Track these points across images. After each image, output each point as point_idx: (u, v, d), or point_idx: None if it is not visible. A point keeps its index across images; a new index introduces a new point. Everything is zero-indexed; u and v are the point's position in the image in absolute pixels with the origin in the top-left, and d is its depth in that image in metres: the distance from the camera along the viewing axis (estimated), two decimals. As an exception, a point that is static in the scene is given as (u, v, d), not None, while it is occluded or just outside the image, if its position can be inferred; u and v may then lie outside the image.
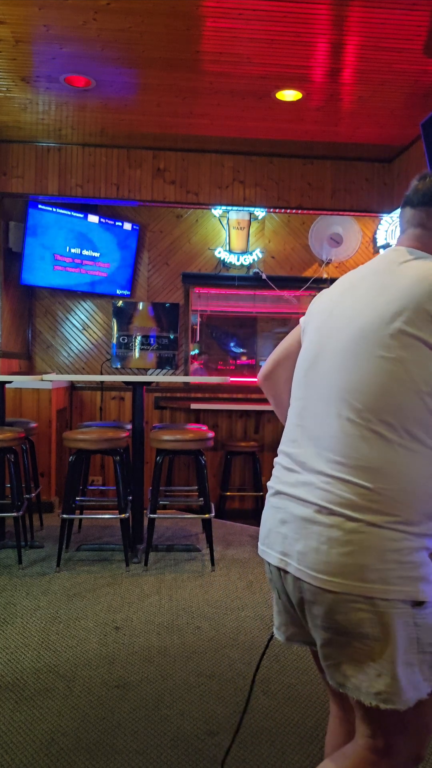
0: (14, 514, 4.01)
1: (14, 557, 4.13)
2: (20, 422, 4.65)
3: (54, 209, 5.80)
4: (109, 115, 4.69)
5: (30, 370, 6.15)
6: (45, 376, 4.40)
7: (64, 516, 4.10)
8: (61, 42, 3.64)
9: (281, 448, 1.42)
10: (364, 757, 1.25)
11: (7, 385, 4.61)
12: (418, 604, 1.18)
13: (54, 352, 6.27)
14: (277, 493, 1.37)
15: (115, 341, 6.27)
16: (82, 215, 5.94)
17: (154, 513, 4.09)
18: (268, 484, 1.43)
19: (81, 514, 4.94)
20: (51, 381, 5.22)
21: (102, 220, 6.04)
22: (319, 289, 6.45)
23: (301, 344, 1.50)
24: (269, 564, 1.36)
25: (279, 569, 1.33)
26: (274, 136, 5.01)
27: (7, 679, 2.61)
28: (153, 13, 3.32)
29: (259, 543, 1.42)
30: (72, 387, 6.15)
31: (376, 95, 4.21)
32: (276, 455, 1.45)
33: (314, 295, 7.14)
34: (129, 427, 4.53)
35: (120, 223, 6.11)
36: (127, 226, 6.14)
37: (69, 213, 5.88)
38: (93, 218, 6.00)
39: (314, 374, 1.36)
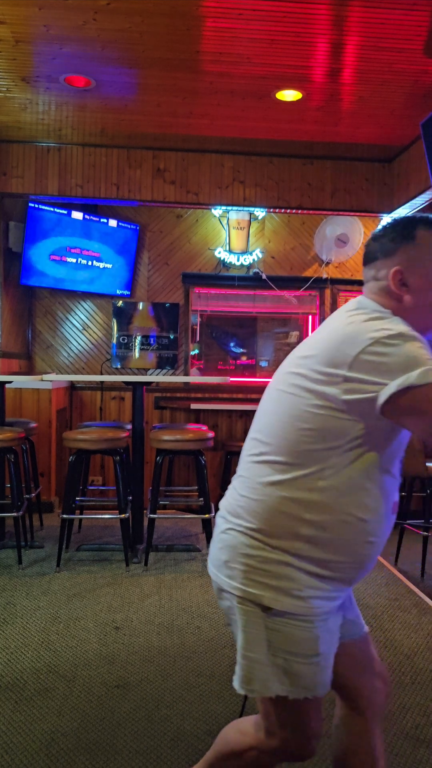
0: (14, 514, 4.01)
1: (14, 557, 4.13)
2: (20, 422, 4.65)
3: (54, 209, 5.80)
4: (109, 115, 4.69)
5: (30, 370, 6.15)
6: (45, 376, 4.40)
7: (64, 516, 4.10)
8: (61, 42, 3.64)
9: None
10: (254, 735, 1.47)
11: (7, 385, 4.61)
12: (267, 609, 1.32)
13: (54, 352, 6.26)
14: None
15: (115, 341, 6.27)
16: (82, 215, 5.94)
17: (154, 513, 4.09)
18: None
19: (81, 514, 4.94)
20: (51, 381, 5.22)
21: (102, 220, 6.04)
22: (320, 289, 6.46)
23: None
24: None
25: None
26: (274, 136, 5.01)
27: (7, 679, 2.61)
28: (153, 13, 3.32)
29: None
30: (72, 387, 6.15)
31: (376, 95, 4.21)
32: None
33: (313, 296, 7.06)
34: (129, 427, 4.53)
35: (120, 223, 6.11)
36: (127, 226, 6.14)
37: (69, 213, 5.88)
38: (93, 218, 6.00)
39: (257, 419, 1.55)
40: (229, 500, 1.46)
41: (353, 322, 1.33)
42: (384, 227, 1.47)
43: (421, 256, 1.39)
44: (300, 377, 1.35)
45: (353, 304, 1.43)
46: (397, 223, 1.44)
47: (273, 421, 1.39)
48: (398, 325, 1.30)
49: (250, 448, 1.45)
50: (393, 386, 1.21)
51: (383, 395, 1.23)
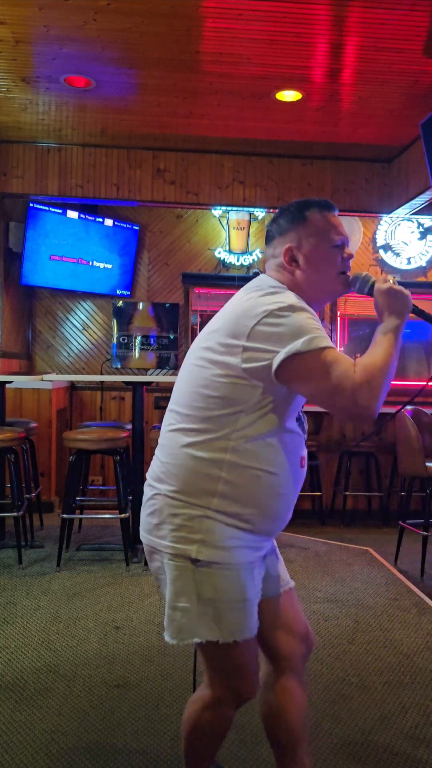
0: (14, 514, 4.01)
1: (14, 557, 4.13)
2: (20, 422, 4.65)
3: (54, 209, 5.80)
4: (109, 116, 4.69)
5: (30, 370, 6.15)
6: (45, 376, 4.40)
7: (64, 516, 4.10)
8: (61, 42, 3.64)
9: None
10: (201, 697, 1.61)
11: (7, 385, 4.61)
12: (195, 561, 1.43)
13: (54, 352, 6.27)
14: None
15: (115, 341, 6.27)
16: (82, 215, 5.95)
17: (154, 513, 4.08)
18: None
19: (81, 514, 4.95)
20: (51, 381, 5.23)
21: (102, 220, 6.04)
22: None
23: None
24: None
25: None
26: (273, 137, 5.02)
27: (7, 679, 2.62)
28: (153, 13, 3.32)
29: None
30: (72, 387, 6.15)
31: (375, 95, 4.21)
32: None
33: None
34: (129, 427, 4.53)
35: (120, 224, 6.11)
36: (127, 226, 6.14)
37: (69, 213, 5.88)
38: (93, 218, 6.00)
39: (175, 390, 1.66)
40: (153, 468, 1.57)
41: (251, 297, 1.48)
42: (281, 209, 1.63)
43: (308, 235, 1.55)
44: (207, 350, 1.49)
45: (255, 281, 1.58)
46: (292, 205, 1.60)
47: (184, 392, 1.52)
48: (289, 298, 1.44)
49: (168, 420, 1.57)
50: (282, 353, 1.37)
51: (275, 362, 1.37)
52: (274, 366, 1.37)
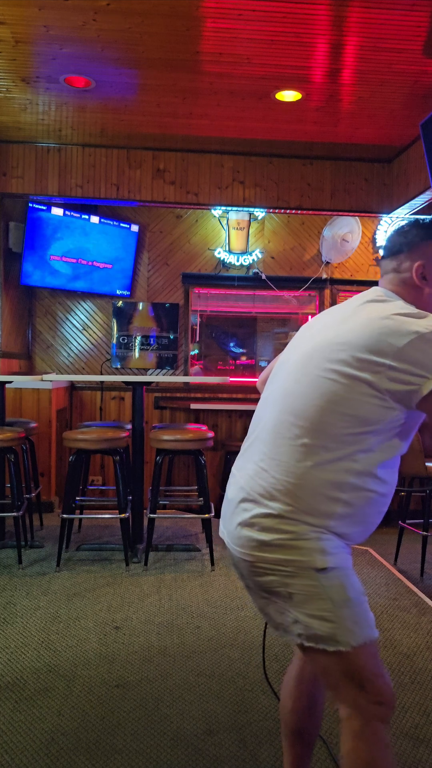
0: (14, 513, 4.01)
1: (14, 557, 4.13)
2: (20, 422, 4.65)
3: (54, 210, 5.80)
4: (109, 116, 4.69)
5: (30, 370, 6.15)
6: (45, 376, 4.40)
7: (64, 516, 4.10)
8: (61, 42, 3.64)
9: (245, 444, 1.66)
10: (352, 720, 1.44)
11: (7, 385, 4.61)
12: (321, 569, 1.41)
13: (54, 352, 6.27)
14: (231, 475, 1.64)
15: (115, 341, 6.27)
16: (82, 216, 5.95)
17: (154, 513, 4.09)
18: (233, 469, 1.68)
19: (81, 514, 4.95)
20: (51, 381, 5.23)
21: (102, 220, 6.04)
22: (319, 290, 6.47)
23: None
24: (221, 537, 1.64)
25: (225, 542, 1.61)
26: (273, 137, 5.02)
27: (7, 679, 2.62)
28: (153, 13, 3.32)
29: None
30: (72, 387, 6.15)
31: (375, 96, 4.22)
32: None
33: (313, 296, 7.06)
34: (129, 427, 4.53)
35: (120, 224, 6.11)
36: (127, 226, 6.14)
37: (69, 213, 5.88)
38: (93, 219, 6.00)
39: (272, 382, 1.64)
40: (259, 482, 1.48)
41: (390, 314, 1.42)
42: (410, 223, 1.61)
43: None
44: (340, 364, 1.42)
45: (376, 293, 1.55)
46: (424, 222, 1.59)
47: (309, 405, 1.44)
48: None
49: (284, 431, 1.47)
50: None
51: (426, 388, 1.34)
52: (424, 391, 1.35)
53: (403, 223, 1.64)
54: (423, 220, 1.61)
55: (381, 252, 6.47)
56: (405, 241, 1.58)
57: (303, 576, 1.43)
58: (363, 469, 1.43)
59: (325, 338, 1.49)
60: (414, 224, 1.59)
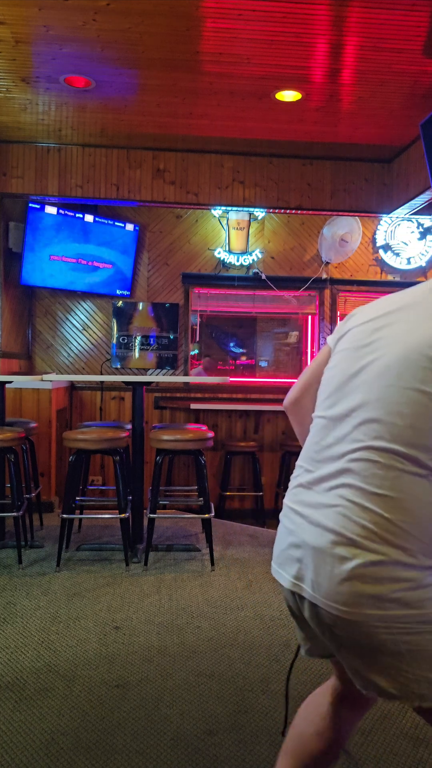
0: (14, 513, 4.01)
1: (14, 557, 4.13)
2: (20, 422, 4.65)
3: (54, 210, 5.80)
4: (109, 116, 4.69)
5: (30, 370, 6.15)
6: (45, 376, 4.40)
7: (64, 516, 4.10)
8: (61, 42, 3.64)
9: (300, 463, 1.41)
10: None
11: (7, 385, 4.61)
12: None
13: (54, 352, 6.27)
14: (293, 512, 1.36)
15: (115, 341, 6.27)
16: (82, 215, 5.95)
17: (154, 513, 4.09)
18: (285, 500, 1.42)
19: (81, 513, 4.95)
20: (51, 381, 5.23)
21: (102, 220, 6.04)
22: (319, 290, 6.47)
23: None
24: (284, 585, 1.36)
25: (293, 592, 1.33)
26: (273, 137, 5.02)
27: (7, 679, 2.62)
28: (153, 13, 3.32)
29: (273, 562, 1.42)
30: (72, 387, 6.15)
31: (375, 96, 4.22)
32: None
33: (313, 296, 6.99)
34: (129, 427, 4.53)
35: (120, 224, 6.11)
36: (127, 226, 6.14)
37: (69, 213, 5.89)
38: (93, 218, 6.00)
39: (346, 392, 1.34)
40: (363, 524, 1.21)
41: None
42: None
43: None
44: None
45: None
46: None
47: (420, 430, 1.21)
48: None
49: (388, 460, 1.22)
50: None
51: None
52: None
53: None
54: None
55: (381, 252, 6.49)
56: None
57: (420, 630, 1.20)
58: None
59: (418, 341, 1.25)
60: None
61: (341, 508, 1.24)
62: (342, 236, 6.24)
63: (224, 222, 6.32)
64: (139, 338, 6.29)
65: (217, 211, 6.28)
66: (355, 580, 1.20)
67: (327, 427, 1.35)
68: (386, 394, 1.25)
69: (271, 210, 5.54)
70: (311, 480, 1.34)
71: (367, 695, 1.33)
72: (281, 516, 1.41)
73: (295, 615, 1.40)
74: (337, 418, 1.33)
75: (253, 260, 6.30)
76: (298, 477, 1.40)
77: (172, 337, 6.30)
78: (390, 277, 6.49)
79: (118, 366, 6.29)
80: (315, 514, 1.29)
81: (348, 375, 1.35)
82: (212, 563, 4.09)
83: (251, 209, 5.65)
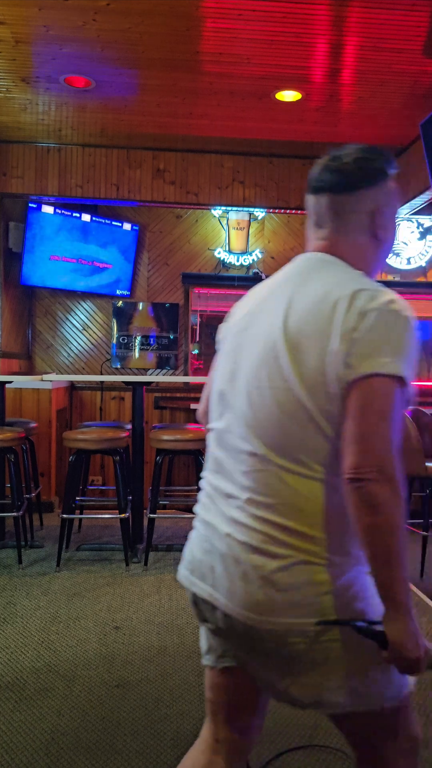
0: (14, 513, 4.01)
1: (14, 557, 4.13)
2: (20, 422, 4.65)
3: (54, 209, 5.80)
4: (109, 116, 4.69)
5: (30, 370, 6.15)
6: (45, 376, 4.40)
7: (64, 516, 4.10)
8: (61, 42, 3.64)
9: (204, 474, 1.38)
10: None
11: (7, 385, 4.61)
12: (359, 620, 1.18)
13: (54, 352, 6.27)
14: (203, 522, 1.33)
15: (115, 341, 6.27)
16: (81, 215, 5.94)
17: (154, 513, 4.09)
18: (195, 509, 1.39)
19: (81, 513, 4.95)
20: (51, 381, 5.23)
21: (102, 220, 6.04)
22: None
23: None
24: (197, 594, 1.31)
25: (206, 601, 1.29)
26: (273, 137, 5.02)
27: (7, 679, 2.62)
28: (153, 13, 3.32)
29: (182, 567, 1.38)
30: (72, 387, 6.15)
31: (375, 96, 4.21)
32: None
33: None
34: (129, 427, 4.53)
35: (120, 224, 6.11)
36: (127, 226, 6.14)
37: (69, 213, 5.88)
38: (93, 218, 6.00)
39: (227, 401, 1.32)
40: (267, 531, 1.21)
41: None
42: (361, 150, 1.36)
43: (388, 200, 1.36)
44: (298, 364, 1.24)
45: (313, 261, 1.37)
46: (370, 151, 1.36)
47: (293, 430, 1.22)
48: None
49: (274, 468, 1.22)
50: None
51: None
52: None
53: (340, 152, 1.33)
54: (367, 150, 1.31)
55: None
56: (360, 173, 1.29)
57: (338, 636, 1.18)
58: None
59: (274, 335, 1.25)
60: (367, 152, 1.31)
61: (244, 519, 1.22)
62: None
63: (224, 222, 6.32)
64: (139, 338, 6.29)
65: (217, 211, 6.27)
66: (269, 587, 1.17)
67: (217, 440, 1.33)
68: (257, 399, 1.23)
69: (271, 210, 5.54)
70: (213, 493, 1.32)
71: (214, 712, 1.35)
72: (194, 522, 1.38)
73: (205, 623, 1.36)
74: (223, 431, 1.31)
75: (253, 260, 6.30)
76: (203, 488, 1.37)
77: (172, 337, 6.30)
78: (390, 277, 6.49)
79: (118, 366, 6.29)
80: (222, 525, 1.26)
81: (225, 382, 1.33)
82: (212, 563, 4.08)
83: (251, 209, 5.65)
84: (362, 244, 1.31)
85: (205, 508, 1.35)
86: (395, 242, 6.43)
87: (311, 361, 1.17)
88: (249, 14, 3.30)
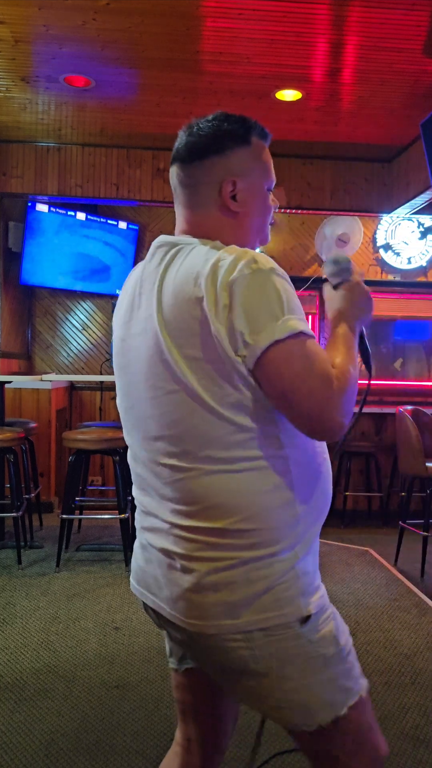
0: (14, 514, 4.00)
1: (14, 557, 4.13)
2: (20, 422, 4.64)
3: (53, 209, 5.80)
4: (109, 115, 4.68)
5: (29, 370, 6.15)
6: (44, 376, 4.40)
7: (64, 516, 4.09)
8: (61, 42, 3.64)
9: (134, 489, 1.32)
10: None
11: (6, 385, 4.60)
12: (305, 619, 1.13)
13: (53, 352, 6.26)
14: (142, 530, 1.29)
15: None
16: (81, 215, 5.94)
17: (154, 513, 4.08)
18: (136, 516, 1.34)
19: (81, 514, 4.94)
20: (50, 381, 5.22)
21: (101, 220, 6.04)
22: (320, 289, 6.45)
23: None
24: (147, 603, 1.28)
25: (155, 610, 1.25)
26: (274, 136, 4.93)
27: (7, 680, 2.61)
28: (153, 13, 3.31)
29: (131, 578, 1.34)
30: (71, 387, 6.14)
31: (375, 95, 4.21)
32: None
33: (313, 296, 6.96)
34: (129, 427, 4.52)
35: (120, 223, 6.10)
36: (127, 226, 6.13)
37: (68, 213, 5.88)
38: (92, 218, 6.00)
39: (130, 418, 1.27)
40: (196, 538, 1.17)
41: None
42: (213, 118, 1.30)
43: (252, 167, 1.32)
44: (181, 359, 1.18)
45: (165, 247, 1.25)
46: (226, 119, 1.32)
47: (196, 427, 1.18)
48: None
49: (189, 472, 1.18)
50: None
51: None
52: None
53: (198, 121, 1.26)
54: (223, 117, 1.25)
55: (381, 251, 6.48)
56: (210, 141, 1.22)
57: (282, 637, 1.12)
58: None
59: (148, 336, 1.19)
60: (219, 120, 1.25)
61: (174, 531, 1.17)
62: (340, 236, 6.24)
63: (224, 222, 6.31)
64: (138, 338, 6.28)
65: (217, 211, 6.27)
66: (206, 592, 1.12)
67: (133, 456, 1.28)
68: (156, 410, 1.17)
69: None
70: (143, 503, 1.27)
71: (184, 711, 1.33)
72: (137, 531, 1.33)
73: (160, 627, 1.33)
74: (136, 447, 1.26)
75: (253, 260, 6.29)
76: (137, 501, 1.32)
77: (171, 337, 6.29)
78: (390, 277, 6.48)
79: (118, 366, 6.28)
80: (153, 537, 1.22)
81: (124, 395, 1.28)
82: (212, 563, 4.08)
83: (251, 209, 5.63)
84: (216, 218, 1.21)
85: (139, 520, 1.30)
86: (395, 242, 6.44)
87: (199, 355, 1.09)
88: (249, 13, 3.29)
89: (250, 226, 1.26)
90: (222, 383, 1.09)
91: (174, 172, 1.25)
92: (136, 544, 1.33)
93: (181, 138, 1.25)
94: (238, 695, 1.21)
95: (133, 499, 1.34)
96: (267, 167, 1.27)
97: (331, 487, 1.25)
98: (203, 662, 1.23)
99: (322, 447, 1.22)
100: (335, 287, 1.33)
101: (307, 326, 1.10)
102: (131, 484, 1.34)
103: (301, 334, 1.08)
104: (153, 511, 1.22)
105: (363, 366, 1.30)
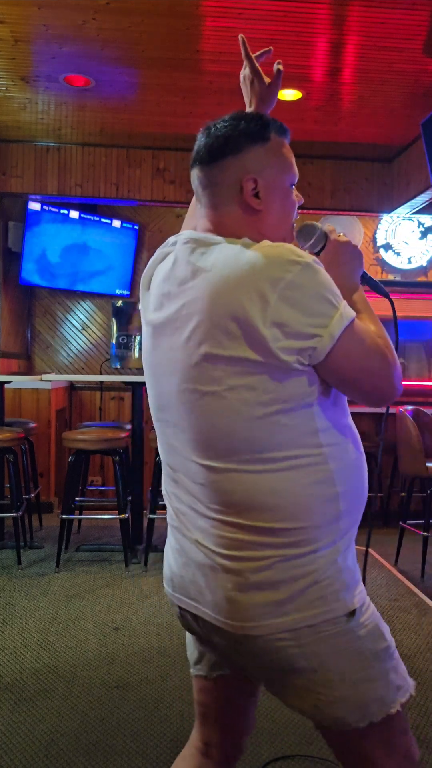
0: (13, 514, 4.00)
1: (13, 558, 4.12)
2: (19, 422, 4.64)
3: (53, 209, 5.79)
4: (109, 115, 4.68)
5: (29, 370, 6.14)
6: (44, 377, 4.40)
7: (64, 516, 4.09)
8: (61, 41, 3.63)
9: (164, 486, 1.30)
10: None
11: (6, 385, 4.60)
12: (351, 613, 1.13)
13: (53, 352, 6.26)
14: (176, 530, 1.27)
15: (114, 341, 6.26)
16: (81, 215, 5.94)
17: (154, 513, 4.08)
18: (167, 518, 1.32)
19: (80, 514, 4.94)
20: (50, 381, 5.22)
21: (101, 219, 6.03)
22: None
23: None
24: (183, 608, 1.26)
25: (194, 615, 1.23)
26: (273, 136, 5.00)
27: (7, 680, 2.61)
28: (153, 12, 3.31)
29: (165, 583, 1.32)
30: (71, 387, 6.14)
31: (376, 95, 4.21)
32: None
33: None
34: (129, 427, 4.52)
35: (119, 223, 6.10)
36: (127, 225, 6.13)
37: (68, 213, 5.87)
38: (92, 218, 5.99)
39: (163, 421, 1.24)
40: (237, 537, 1.17)
41: None
42: (228, 119, 1.32)
43: (271, 164, 1.29)
44: (216, 360, 1.17)
45: (193, 245, 1.23)
46: (242, 118, 1.32)
47: (225, 429, 1.18)
48: None
49: (222, 473, 1.17)
50: None
51: None
52: None
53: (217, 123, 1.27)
54: (240, 117, 1.26)
55: (381, 252, 6.48)
56: (227, 141, 1.22)
57: (330, 633, 1.12)
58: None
59: (182, 340, 1.18)
60: (236, 119, 1.25)
61: (212, 529, 1.15)
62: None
63: (224, 222, 6.31)
64: (138, 338, 6.28)
65: (217, 211, 6.27)
66: (251, 590, 1.11)
67: (167, 452, 1.25)
68: (191, 412, 1.15)
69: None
70: (178, 506, 1.25)
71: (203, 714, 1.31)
72: (168, 533, 1.31)
73: (194, 634, 1.31)
74: (169, 445, 1.24)
75: (253, 260, 6.29)
76: (169, 501, 1.29)
77: (171, 336, 6.29)
78: (391, 277, 6.48)
79: (118, 366, 6.28)
80: (190, 540, 1.20)
81: (157, 394, 1.25)
82: (212, 563, 4.07)
83: (251, 209, 5.63)
84: (239, 217, 1.19)
85: (172, 519, 1.28)
86: (396, 241, 6.43)
87: (236, 355, 1.08)
88: (249, 13, 3.29)
89: (275, 223, 1.22)
90: (261, 383, 1.08)
91: (194, 175, 1.26)
92: (168, 549, 1.31)
93: (199, 140, 1.27)
94: (284, 695, 1.19)
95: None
96: (288, 163, 1.26)
97: (367, 480, 1.23)
98: (247, 665, 1.20)
99: (357, 441, 1.21)
100: (317, 254, 1.29)
101: (351, 308, 1.14)
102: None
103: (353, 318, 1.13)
104: (192, 507, 1.20)
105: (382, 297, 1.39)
